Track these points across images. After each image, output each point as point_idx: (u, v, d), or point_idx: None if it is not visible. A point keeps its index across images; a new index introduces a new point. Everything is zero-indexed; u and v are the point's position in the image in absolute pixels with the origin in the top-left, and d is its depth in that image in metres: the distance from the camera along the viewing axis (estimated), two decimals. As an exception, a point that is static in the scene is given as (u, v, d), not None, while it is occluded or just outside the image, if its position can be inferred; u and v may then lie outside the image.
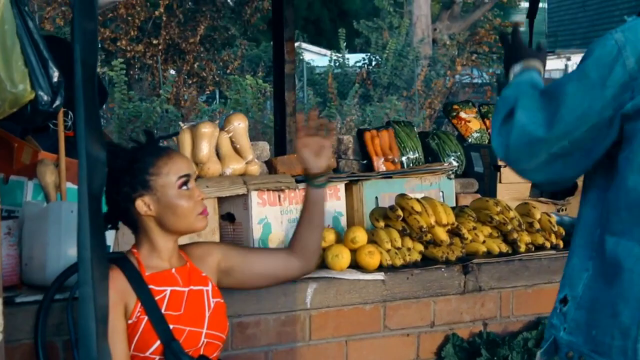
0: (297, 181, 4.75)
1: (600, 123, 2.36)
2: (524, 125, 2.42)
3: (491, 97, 25.88)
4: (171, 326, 3.07)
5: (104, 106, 12.41)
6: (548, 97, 2.43)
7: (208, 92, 22.17)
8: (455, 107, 5.68)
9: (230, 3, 5.41)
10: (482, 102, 6.41)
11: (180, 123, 4.92)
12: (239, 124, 4.82)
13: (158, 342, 3.03)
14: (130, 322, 3.04)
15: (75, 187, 4.10)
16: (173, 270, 3.17)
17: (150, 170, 3.07)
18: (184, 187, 3.10)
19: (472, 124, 5.57)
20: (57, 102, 3.84)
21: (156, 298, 3.08)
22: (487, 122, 5.62)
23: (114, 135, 15.34)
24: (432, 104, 21.60)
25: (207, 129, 4.73)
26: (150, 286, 3.09)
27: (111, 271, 3.03)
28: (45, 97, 3.80)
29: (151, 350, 3.04)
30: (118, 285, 3.03)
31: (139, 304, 3.05)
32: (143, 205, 3.08)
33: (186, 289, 3.17)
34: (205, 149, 4.69)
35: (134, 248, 3.18)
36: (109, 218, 3.17)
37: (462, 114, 5.59)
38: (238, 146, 4.80)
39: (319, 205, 3.32)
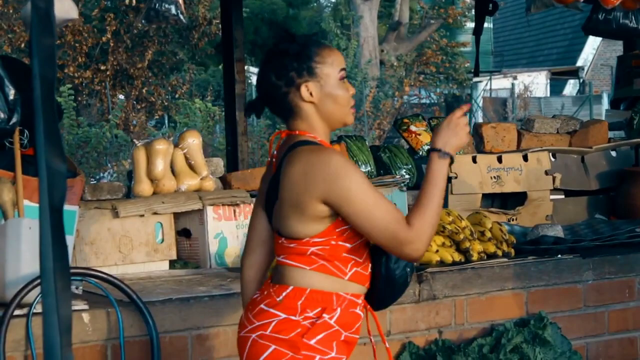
0: (252, 196, 4.81)
1: None
2: None
3: (440, 117, 26.10)
4: None
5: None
6: None
7: (157, 117, 22.14)
8: (406, 120, 5.76)
9: (183, 20, 5.36)
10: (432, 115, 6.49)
11: (135, 140, 4.95)
12: (193, 141, 4.87)
13: None
14: None
15: (32, 204, 4.14)
16: None
17: (316, 59, 3.09)
18: (343, 80, 3.13)
19: (422, 136, 5.65)
20: (14, 120, 3.87)
21: None
22: (437, 134, 5.71)
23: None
24: (380, 125, 21.75)
25: (162, 146, 4.77)
26: None
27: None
28: (2, 115, 3.83)
29: None
30: None
31: None
32: (306, 91, 3.08)
33: None
34: (160, 165, 4.73)
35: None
36: (256, 104, 3.16)
37: (413, 127, 5.68)
38: (193, 162, 4.85)
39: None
